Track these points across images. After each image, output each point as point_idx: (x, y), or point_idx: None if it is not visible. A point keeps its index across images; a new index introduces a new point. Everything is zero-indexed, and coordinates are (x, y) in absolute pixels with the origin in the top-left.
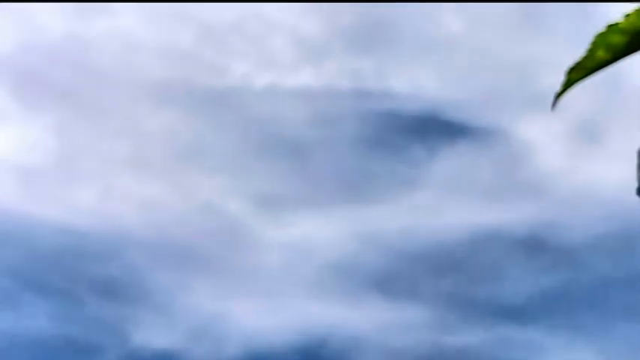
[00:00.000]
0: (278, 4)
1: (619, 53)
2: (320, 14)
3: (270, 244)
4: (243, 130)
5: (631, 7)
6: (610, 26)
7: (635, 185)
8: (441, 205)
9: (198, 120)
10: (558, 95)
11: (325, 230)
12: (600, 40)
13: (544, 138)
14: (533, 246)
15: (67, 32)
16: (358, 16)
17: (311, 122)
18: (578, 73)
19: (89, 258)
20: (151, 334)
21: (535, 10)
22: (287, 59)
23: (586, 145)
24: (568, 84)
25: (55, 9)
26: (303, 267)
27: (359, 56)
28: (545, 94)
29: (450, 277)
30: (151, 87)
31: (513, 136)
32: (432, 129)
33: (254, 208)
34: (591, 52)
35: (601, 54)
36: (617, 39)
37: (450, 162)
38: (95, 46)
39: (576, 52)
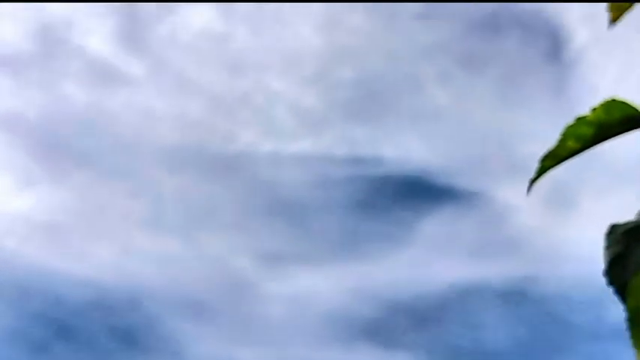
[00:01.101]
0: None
1: (587, 143)
2: (318, 88)
3: (273, 296)
4: (248, 193)
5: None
6: (579, 119)
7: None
8: (427, 262)
9: (209, 183)
10: (533, 181)
11: (322, 284)
12: (570, 131)
13: (522, 201)
14: (512, 298)
15: (90, 102)
16: (353, 90)
17: (310, 186)
18: (551, 161)
19: (109, 309)
20: None
21: (514, 84)
22: (289, 128)
23: (560, 207)
24: (542, 171)
25: (79, 80)
26: (302, 318)
27: (353, 126)
28: (523, 161)
29: (435, 327)
30: (166, 152)
31: (494, 199)
32: (419, 192)
33: (258, 264)
34: (562, 142)
35: (571, 144)
36: (586, 130)
37: (436, 222)
38: (115, 115)
39: (550, 124)
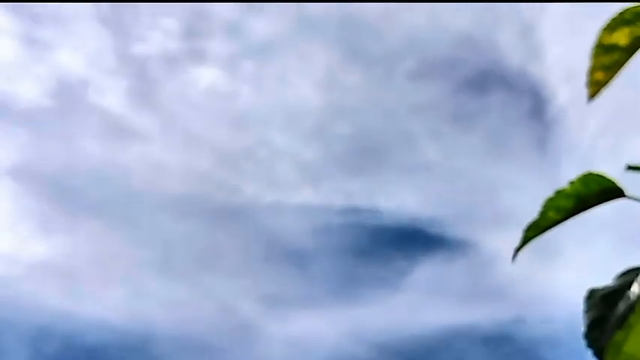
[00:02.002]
0: (283, 131)
1: (567, 214)
2: (317, 142)
3: (274, 338)
4: (252, 240)
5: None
6: (558, 192)
7: (587, 288)
8: (419, 306)
9: (214, 231)
10: (517, 249)
11: (321, 326)
12: (550, 203)
13: (509, 248)
14: (500, 341)
15: (104, 156)
16: (350, 144)
17: (310, 234)
18: (534, 231)
19: (120, 350)
20: None
21: (500, 140)
22: (290, 180)
23: (546, 255)
24: (525, 241)
25: (94, 135)
26: (301, 359)
27: (351, 178)
28: (509, 211)
29: None
30: (174, 202)
31: (482, 247)
32: (412, 241)
33: (261, 307)
34: (543, 213)
35: (552, 215)
36: (565, 202)
37: (428, 269)
38: (127, 168)
39: (534, 176)
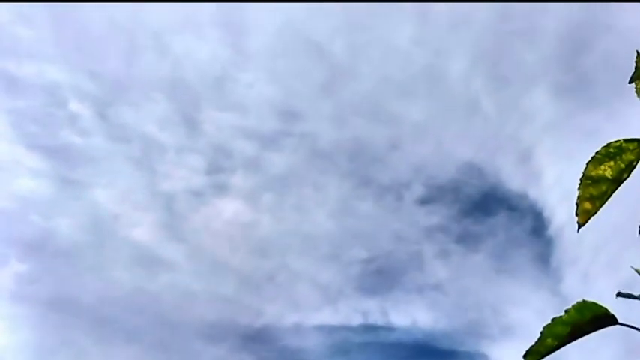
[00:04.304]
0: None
1: (564, 340)
2: (334, 266)
3: None
4: (276, 359)
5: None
6: (555, 319)
7: None
8: None
9: (241, 352)
10: None
11: None
12: (548, 330)
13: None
14: None
15: (136, 285)
16: (364, 267)
17: (330, 352)
18: (533, 357)
19: None
20: None
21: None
22: (309, 302)
23: None
24: None
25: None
26: None
27: (366, 298)
28: (514, 324)
29: None
30: (202, 327)
31: (489, 358)
32: (426, 355)
33: None
34: (541, 339)
35: (549, 341)
36: (562, 329)
37: None
38: (158, 296)
39: (537, 290)
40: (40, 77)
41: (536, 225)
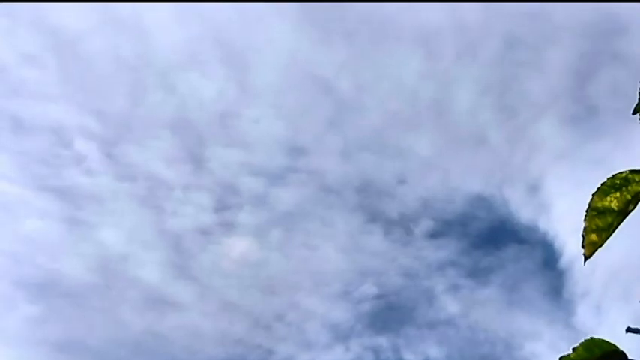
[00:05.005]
0: (311, 294)
1: None
2: (344, 303)
3: None
4: None
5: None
6: (562, 358)
7: None
8: None
9: None
10: None
11: None
12: None
13: None
14: None
15: (144, 326)
16: (375, 303)
17: None
18: None
19: None
20: None
21: (515, 290)
22: (320, 340)
23: None
24: None
25: (134, 306)
26: None
27: (378, 335)
28: (527, 357)
29: None
30: None
31: None
32: None
33: None
34: None
35: None
36: None
37: None
38: (167, 336)
39: (549, 323)
40: (46, 118)
41: (547, 257)
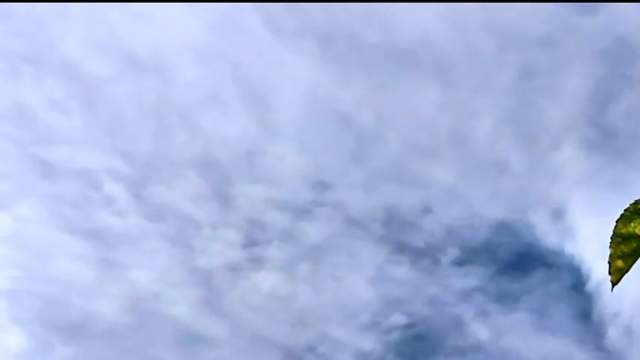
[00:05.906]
0: (341, 325)
1: None
2: (374, 333)
3: None
4: None
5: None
6: None
7: None
8: None
9: None
10: None
11: None
12: None
13: None
14: None
15: None
16: (405, 332)
17: None
18: None
19: None
20: None
21: (544, 315)
22: None
23: None
24: None
25: (167, 344)
26: None
27: None
28: None
29: None
30: None
31: None
32: None
33: None
34: None
35: None
36: None
37: None
38: None
39: (580, 347)
40: (75, 162)
41: (575, 280)
